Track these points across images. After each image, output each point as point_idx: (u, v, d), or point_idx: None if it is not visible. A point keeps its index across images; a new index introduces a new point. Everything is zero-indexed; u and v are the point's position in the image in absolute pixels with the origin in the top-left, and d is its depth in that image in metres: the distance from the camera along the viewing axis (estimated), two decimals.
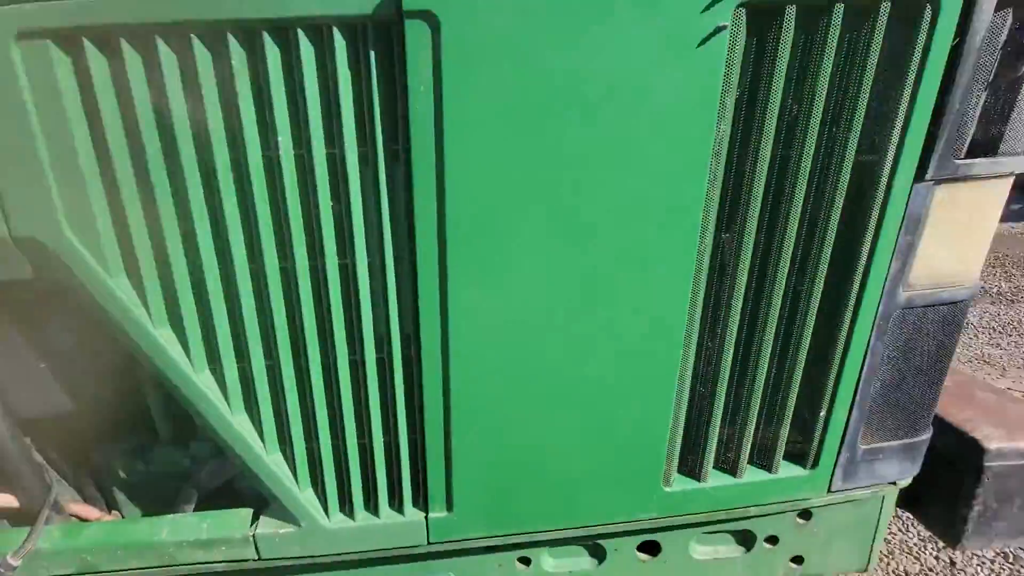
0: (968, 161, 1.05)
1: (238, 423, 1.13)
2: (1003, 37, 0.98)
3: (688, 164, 0.98)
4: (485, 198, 0.97)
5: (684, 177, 0.99)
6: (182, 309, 1.04)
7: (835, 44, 0.94)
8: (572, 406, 1.14)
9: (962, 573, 2.36)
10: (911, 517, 2.31)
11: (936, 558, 2.44)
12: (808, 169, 1.02)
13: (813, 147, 1.00)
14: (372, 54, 0.90)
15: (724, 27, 0.90)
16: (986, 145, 1.06)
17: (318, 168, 0.96)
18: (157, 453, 1.38)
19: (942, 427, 1.38)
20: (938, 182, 1.06)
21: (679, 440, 1.22)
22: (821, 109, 0.98)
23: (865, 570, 1.46)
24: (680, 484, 1.25)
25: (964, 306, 1.19)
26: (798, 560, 1.43)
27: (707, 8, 0.89)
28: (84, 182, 0.95)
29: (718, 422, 1.20)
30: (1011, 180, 1.10)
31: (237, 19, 0.87)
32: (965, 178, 1.06)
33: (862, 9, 0.93)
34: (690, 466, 1.26)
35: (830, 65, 0.95)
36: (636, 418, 1.16)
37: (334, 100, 0.94)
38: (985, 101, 1.03)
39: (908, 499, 1.47)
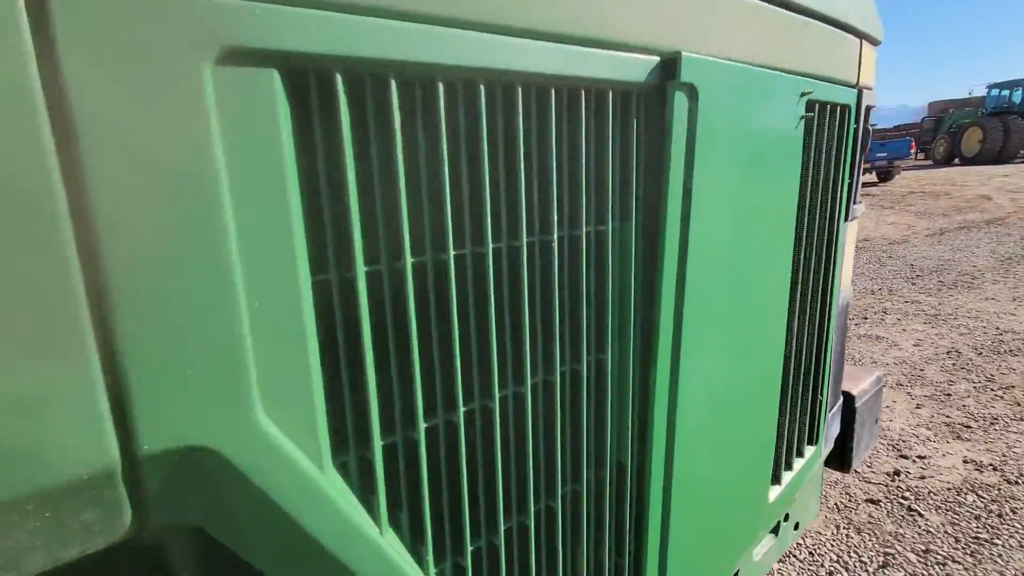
0: (855, 207, 1.62)
1: None
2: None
3: (791, 212, 1.23)
4: (708, 244, 0.98)
5: (790, 223, 1.23)
6: (422, 479, 0.65)
7: (826, 131, 1.36)
8: (745, 462, 1.19)
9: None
10: None
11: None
12: (816, 218, 1.40)
13: (819, 202, 1.39)
14: (635, 122, 0.83)
15: (809, 116, 1.19)
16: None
17: (586, 248, 0.79)
18: None
19: None
20: (848, 221, 1.59)
21: None
22: (822, 175, 1.38)
23: (816, 516, 1.92)
24: (773, 493, 1.42)
25: (849, 302, 1.78)
26: (796, 527, 1.77)
27: (802, 98, 1.17)
28: (301, 318, 0.53)
29: (794, 427, 1.44)
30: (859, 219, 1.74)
31: (533, 72, 0.67)
32: (853, 218, 1.64)
33: (830, 107, 1.37)
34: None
35: (824, 143, 1.36)
36: (766, 449, 1.29)
37: (597, 166, 0.80)
38: None
39: None
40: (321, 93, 0.52)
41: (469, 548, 0.73)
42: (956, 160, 23.83)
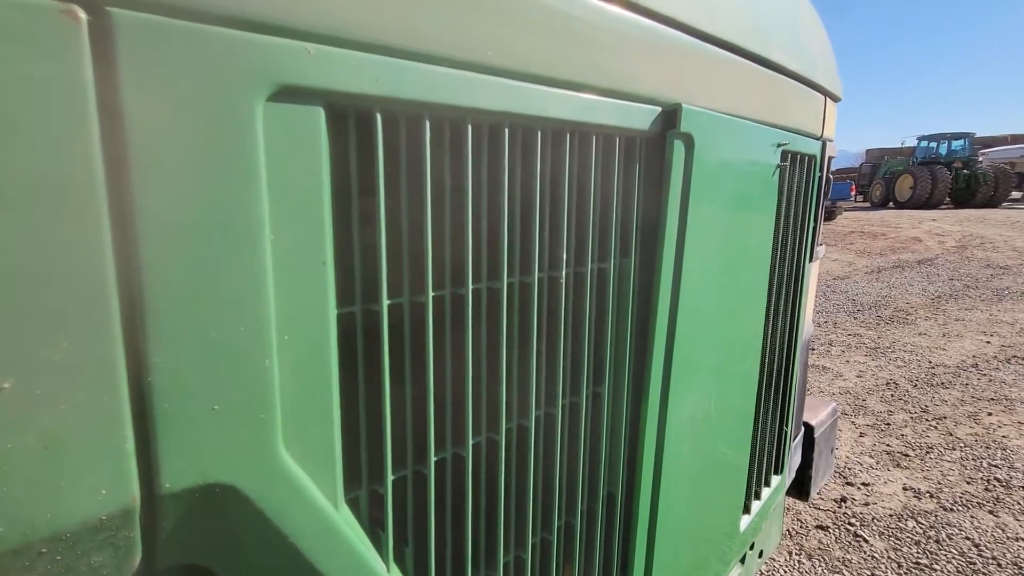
0: (818, 248, 1.72)
1: None
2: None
3: (767, 252, 1.29)
4: (699, 283, 1.02)
5: (765, 262, 1.30)
6: (430, 513, 0.65)
7: (795, 179, 1.45)
8: (722, 493, 1.23)
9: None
10: None
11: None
12: (786, 258, 1.48)
13: (788, 243, 1.48)
14: (637, 167, 0.87)
15: (783, 165, 1.27)
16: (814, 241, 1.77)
17: (590, 284, 0.82)
18: None
19: None
20: (811, 261, 1.69)
21: None
22: (791, 219, 1.47)
23: (778, 543, 1.98)
24: (743, 523, 1.46)
25: (811, 338, 1.87)
26: (760, 554, 1.82)
27: (778, 149, 1.25)
28: (327, 351, 0.52)
29: (763, 457, 1.49)
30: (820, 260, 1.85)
31: (553, 117, 0.70)
32: (816, 259, 1.74)
33: (798, 158, 1.47)
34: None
35: (793, 189, 1.45)
36: (740, 479, 1.33)
37: (603, 206, 0.83)
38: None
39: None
40: (360, 131, 0.53)
41: None
42: (891, 203, 25.56)
